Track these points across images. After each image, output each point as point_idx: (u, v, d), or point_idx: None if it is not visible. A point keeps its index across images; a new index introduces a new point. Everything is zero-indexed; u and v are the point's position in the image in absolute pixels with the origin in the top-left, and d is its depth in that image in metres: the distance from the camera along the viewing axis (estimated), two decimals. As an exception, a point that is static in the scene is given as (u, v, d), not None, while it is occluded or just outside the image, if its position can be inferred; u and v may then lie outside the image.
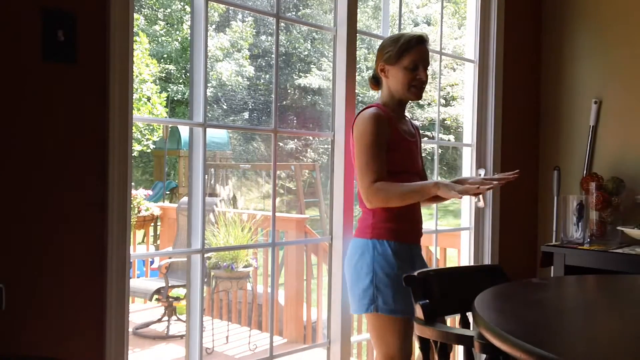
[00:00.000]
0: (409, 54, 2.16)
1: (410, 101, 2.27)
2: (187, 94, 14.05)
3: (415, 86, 2.19)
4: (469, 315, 1.81)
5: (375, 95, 2.44)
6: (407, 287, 2.07)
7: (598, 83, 3.30)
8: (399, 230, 2.12)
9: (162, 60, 14.37)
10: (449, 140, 13.44)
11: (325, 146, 14.40)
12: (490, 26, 3.18)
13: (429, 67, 2.23)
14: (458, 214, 6.99)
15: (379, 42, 2.32)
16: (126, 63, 1.82)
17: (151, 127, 12.06)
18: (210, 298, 4.86)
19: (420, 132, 2.46)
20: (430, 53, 2.28)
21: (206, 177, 2.24)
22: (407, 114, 2.38)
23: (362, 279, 2.14)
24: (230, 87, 14.66)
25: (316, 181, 11.13)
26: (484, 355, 1.48)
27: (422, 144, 2.52)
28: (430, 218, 3.20)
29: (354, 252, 2.21)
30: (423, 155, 2.49)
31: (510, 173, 2.11)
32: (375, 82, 2.32)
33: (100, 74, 1.78)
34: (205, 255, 2.75)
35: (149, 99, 11.59)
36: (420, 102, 15.80)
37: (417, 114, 15.48)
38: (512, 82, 3.29)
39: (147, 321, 5.08)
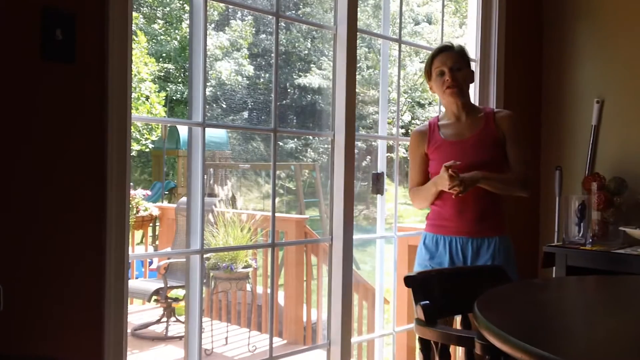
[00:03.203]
0: (433, 66, 2.41)
1: (457, 102, 2.38)
2: (186, 93, 14.05)
3: (448, 88, 2.37)
4: (470, 316, 1.80)
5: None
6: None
7: (600, 82, 3.29)
8: (428, 224, 2.48)
9: (161, 59, 14.36)
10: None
11: (325, 146, 14.40)
12: (492, 25, 3.17)
13: (459, 66, 2.37)
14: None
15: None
16: (125, 62, 1.81)
17: (150, 127, 12.05)
18: (210, 299, 4.85)
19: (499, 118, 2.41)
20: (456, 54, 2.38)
21: (205, 177, 2.22)
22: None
23: None
24: (229, 86, 14.66)
25: (316, 181, 11.14)
26: (486, 356, 1.47)
27: None
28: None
29: None
30: None
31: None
32: None
33: (99, 73, 1.77)
34: (205, 256, 2.74)
35: (147, 98, 11.58)
36: (421, 101, 15.82)
37: (418, 114, 15.50)
38: (514, 81, 3.28)
39: (146, 322, 5.06)
